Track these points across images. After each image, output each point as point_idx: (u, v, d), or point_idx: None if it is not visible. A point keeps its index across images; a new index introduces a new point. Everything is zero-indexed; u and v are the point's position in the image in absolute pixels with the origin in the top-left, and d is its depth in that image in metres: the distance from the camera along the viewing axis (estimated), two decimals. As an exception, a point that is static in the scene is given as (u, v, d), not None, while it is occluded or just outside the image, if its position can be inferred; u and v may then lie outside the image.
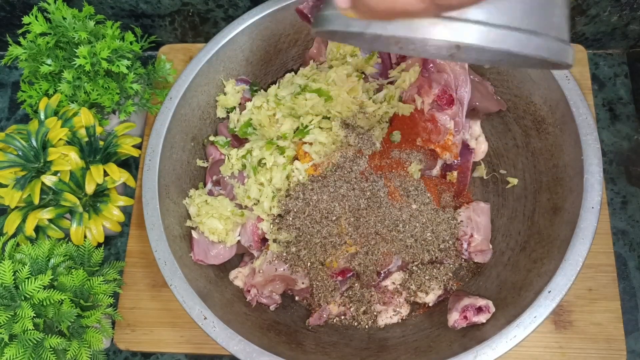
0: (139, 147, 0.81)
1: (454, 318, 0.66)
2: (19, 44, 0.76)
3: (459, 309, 0.66)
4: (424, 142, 0.73)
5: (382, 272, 0.70)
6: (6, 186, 0.72)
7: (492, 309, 0.65)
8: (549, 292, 0.59)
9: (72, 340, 0.65)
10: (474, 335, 0.63)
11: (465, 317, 0.65)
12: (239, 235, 0.73)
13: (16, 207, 0.72)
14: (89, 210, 0.74)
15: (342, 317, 0.74)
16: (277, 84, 0.78)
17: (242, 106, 0.80)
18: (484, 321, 0.64)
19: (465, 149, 0.77)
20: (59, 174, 0.72)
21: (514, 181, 0.76)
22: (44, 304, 0.62)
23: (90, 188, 0.72)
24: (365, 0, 0.34)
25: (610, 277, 0.75)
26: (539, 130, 0.73)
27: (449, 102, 0.71)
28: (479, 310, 0.65)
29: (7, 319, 0.61)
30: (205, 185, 0.78)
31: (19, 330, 0.60)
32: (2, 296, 0.62)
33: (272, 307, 0.73)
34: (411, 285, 0.73)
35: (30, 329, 0.60)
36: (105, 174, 0.74)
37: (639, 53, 0.92)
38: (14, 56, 0.76)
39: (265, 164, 0.72)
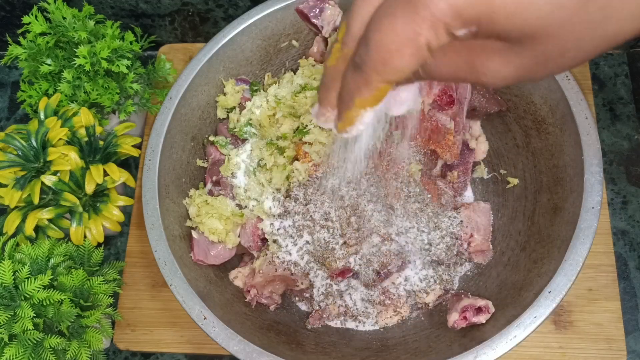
0: (138, 147, 0.81)
1: (454, 318, 0.66)
2: (18, 43, 0.76)
3: (459, 309, 0.66)
4: (424, 142, 0.73)
5: (382, 272, 0.70)
6: (6, 186, 0.72)
7: (492, 309, 0.65)
8: (549, 292, 0.59)
9: (72, 340, 0.65)
10: (474, 335, 0.63)
11: (465, 318, 0.65)
12: (239, 235, 0.73)
13: (16, 207, 0.72)
14: (89, 210, 0.74)
15: (342, 318, 0.74)
16: (277, 84, 0.78)
17: (241, 106, 0.80)
18: (484, 321, 0.64)
19: (466, 149, 0.77)
20: (58, 174, 0.71)
21: (514, 181, 0.76)
22: (44, 303, 0.62)
23: (90, 188, 0.72)
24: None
25: (610, 277, 0.75)
26: (539, 130, 0.73)
27: (449, 102, 0.71)
28: (479, 310, 0.65)
29: (7, 318, 0.61)
30: (205, 185, 0.78)
31: (19, 330, 0.60)
32: (2, 296, 0.62)
33: (272, 307, 0.73)
34: (411, 285, 0.72)
35: (30, 329, 0.60)
36: (105, 173, 0.74)
37: (639, 53, 0.92)
38: (14, 56, 0.76)
39: (265, 164, 0.72)
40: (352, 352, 0.68)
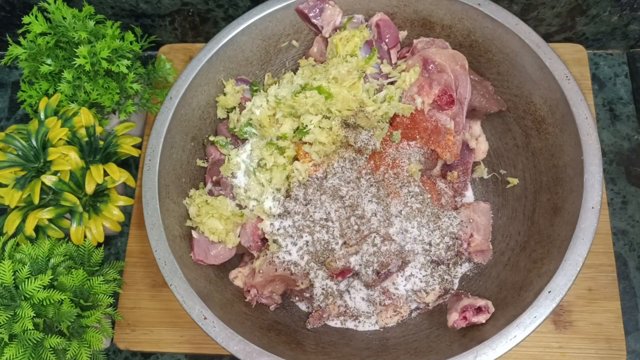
0: (139, 147, 0.81)
1: (454, 318, 0.66)
2: (19, 43, 0.76)
3: (459, 309, 0.66)
4: (425, 143, 0.73)
5: (382, 272, 0.70)
6: (6, 186, 0.72)
7: (492, 309, 0.65)
8: (549, 292, 0.59)
9: (72, 340, 0.65)
10: (474, 335, 0.63)
11: (465, 318, 0.65)
12: (239, 235, 0.73)
13: (16, 207, 0.72)
14: (89, 210, 0.74)
15: (342, 318, 0.74)
16: (277, 84, 0.78)
17: (242, 106, 0.80)
18: (484, 321, 0.64)
19: (466, 149, 0.77)
20: (58, 174, 0.72)
21: (514, 181, 0.76)
22: (44, 303, 0.62)
23: (90, 188, 0.72)
24: None
25: (610, 277, 0.75)
26: (539, 131, 0.73)
27: (449, 103, 0.71)
28: (478, 310, 0.65)
29: (7, 318, 0.61)
30: (205, 185, 0.78)
31: (19, 330, 0.60)
32: (2, 296, 0.62)
33: (272, 307, 0.73)
34: (411, 285, 0.72)
35: (30, 329, 0.60)
36: (105, 173, 0.74)
37: (639, 53, 0.92)
38: (14, 56, 0.76)
39: (265, 164, 0.72)
40: (352, 352, 0.68)
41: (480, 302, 0.65)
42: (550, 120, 0.71)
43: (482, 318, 0.65)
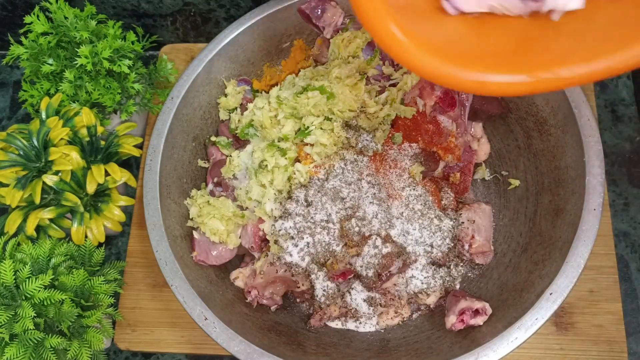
0: (140, 147, 0.81)
1: (451, 321, 0.66)
2: (20, 43, 0.76)
3: (456, 312, 0.66)
4: (426, 145, 0.73)
5: (383, 273, 0.70)
6: (7, 185, 0.72)
7: (489, 311, 0.65)
8: (551, 294, 0.59)
9: (72, 340, 0.65)
10: (475, 337, 0.63)
11: (462, 321, 0.65)
12: (240, 236, 0.73)
13: (17, 207, 0.72)
14: (90, 210, 0.74)
15: (343, 319, 0.74)
16: (278, 85, 0.78)
17: (243, 107, 0.80)
18: (481, 323, 0.64)
19: (467, 150, 0.77)
20: (60, 174, 0.72)
21: (515, 183, 0.76)
22: (45, 303, 0.62)
23: (91, 188, 0.72)
24: None
25: (611, 278, 0.75)
26: (541, 132, 0.73)
27: (451, 104, 0.71)
28: (476, 313, 0.65)
29: (8, 318, 0.61)
30: (206, 185, 0.78)
31: (20, 329, 0.60)
32: (3, 296, 0.62)
33: (272, 308, 0.73)
34: (412, 287, 0.72)
35: (30, 329, 0.60)
36: (107, 173, 0.74)
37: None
38: (16, 55, 0.76)
39: (266, 165, 0.72)
40: (352, 353, 0.68)
41: (478, 305, 0.65)
42: (552, 122, 0.70)
43: (479, 320, 0.65)
